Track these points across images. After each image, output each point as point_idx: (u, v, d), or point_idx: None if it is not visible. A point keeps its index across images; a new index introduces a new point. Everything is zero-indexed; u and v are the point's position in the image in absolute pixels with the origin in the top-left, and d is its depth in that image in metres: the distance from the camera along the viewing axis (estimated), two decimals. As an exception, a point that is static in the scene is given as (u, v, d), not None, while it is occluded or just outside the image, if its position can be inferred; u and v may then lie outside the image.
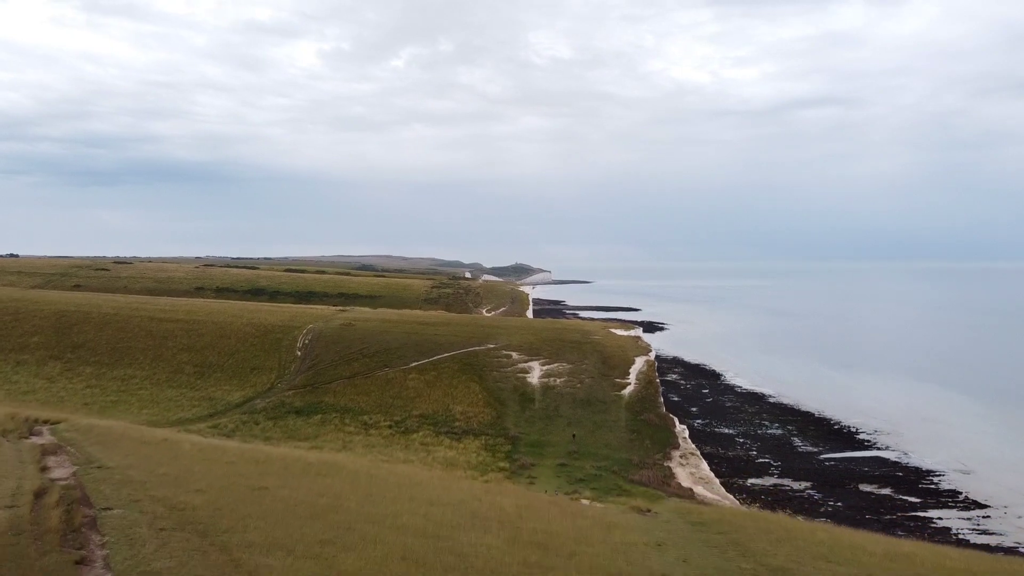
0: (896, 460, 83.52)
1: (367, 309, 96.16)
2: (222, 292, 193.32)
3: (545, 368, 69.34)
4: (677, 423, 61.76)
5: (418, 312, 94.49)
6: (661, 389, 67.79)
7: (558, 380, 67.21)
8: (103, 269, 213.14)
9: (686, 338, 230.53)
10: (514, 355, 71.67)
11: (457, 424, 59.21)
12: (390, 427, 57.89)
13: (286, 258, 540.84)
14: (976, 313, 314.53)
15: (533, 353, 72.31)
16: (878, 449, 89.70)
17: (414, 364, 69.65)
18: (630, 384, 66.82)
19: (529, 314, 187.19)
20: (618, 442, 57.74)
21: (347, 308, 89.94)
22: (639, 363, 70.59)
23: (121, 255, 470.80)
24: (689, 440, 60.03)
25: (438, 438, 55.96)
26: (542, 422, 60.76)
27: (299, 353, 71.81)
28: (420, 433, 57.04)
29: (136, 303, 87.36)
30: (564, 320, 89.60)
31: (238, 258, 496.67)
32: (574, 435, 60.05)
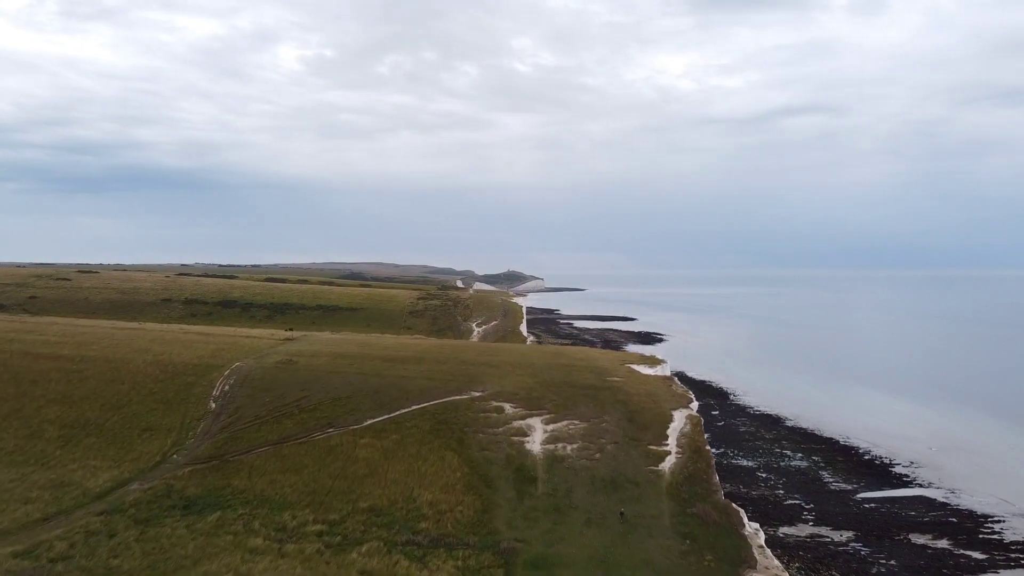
0: (944, 501, 72.39)
1: (325, 334, 75.11)
2: (191, 304, 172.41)
3: (551, 428, 48.29)
4: (745, 518, 40.81)
5: (388, 340, 73.05)
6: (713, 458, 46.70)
7: (569, 447, 46.20)
8: (64, 279, 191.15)
9: (687, 351, 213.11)
10: (507, 407, 50.53)
11: (423, 527, 38.21)
12: (320, 535, 36.77)
13: (276, 265, 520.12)
14: (983, 325, 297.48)
15: (533, 404, 51.15)
16: (920, 486, 77.83)
17: (369, 422, 48.59)
18: (670, 453, 45.82)
19: (523, 328, 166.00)
20: (664, 557, 36.90)
21: (295, 336, 68.44)
22: (679, 420, 49.51)
23: (106, 262, 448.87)
24: (767, 549, 39.10)
25: (391, 557, 34.87)
26: (549, 518, 39.92)
27: (213, 405, 50.50)
28: (365, 546, 35.83)
29: (14, 331, 64.94)
30: (570, 350, 68.53)
31: (228, 265, 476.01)
32: (622, 513, 39.44)
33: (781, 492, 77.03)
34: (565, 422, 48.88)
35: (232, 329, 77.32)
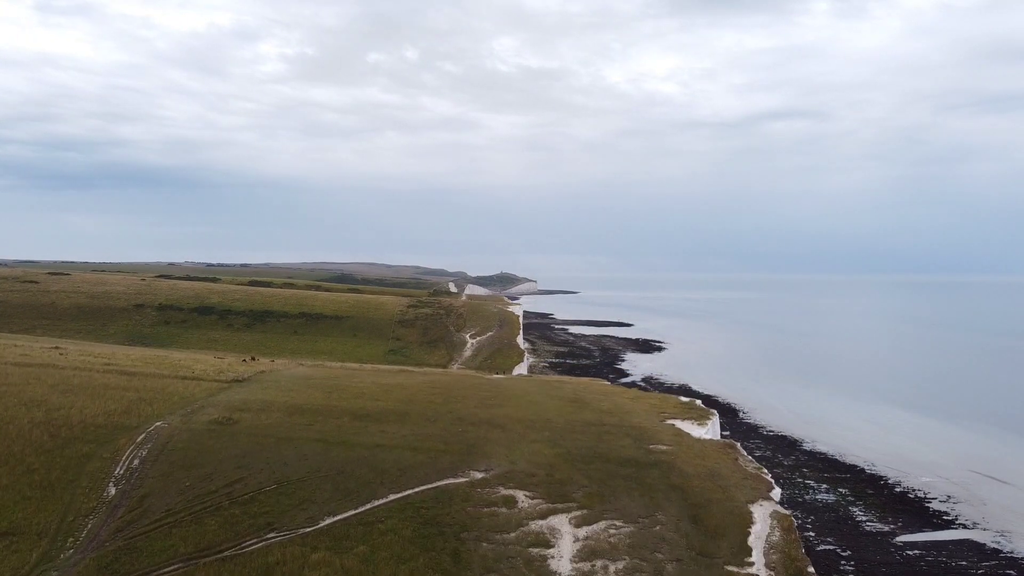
0: (995, 547, 63.92)
1: (289, 370, 59.76)
2: (164, 310, 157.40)
3: (584, 535, 33.37)
4: None
5: (365, 377, 57.65)
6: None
7: (612, 567, 31.21)
8: (31, 282, 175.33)
9: (689, 361, 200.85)
10: (521, 498, 35.62)
11: None
12: None
13: (267, 265, 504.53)
14: (990, 334, 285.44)
15: (556, 493, 36.18)
16: (964, 527, 68.86)
17: (328, 522, 33.68)
18: (758, 579, 31.11)
19: (520, 340, 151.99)
20: None
21: (245, 376, 52.96)
22: (761, 520, 34.68)
23: (93, 260, 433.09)
24: None
25: None
26: None
27: (113, 491, 35.50)
28: None
29: None
30: (592, 393, 53.78)
31: (217, 264, 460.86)
32: None
33: (812, 534, 66.98)
34: (603, 523, 33.86)
35: (178, 357, 61.79)
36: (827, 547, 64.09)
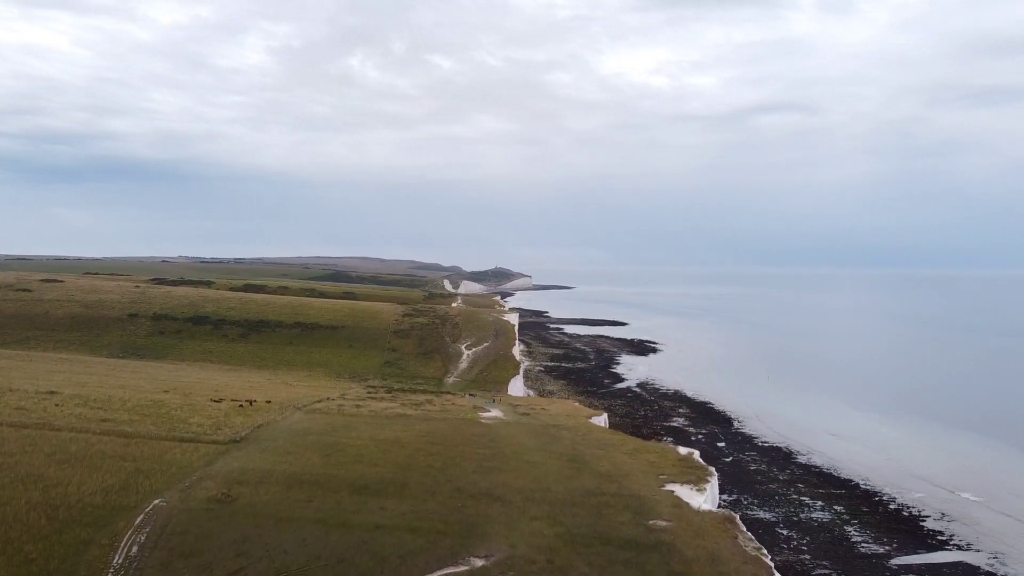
0: (990, 570, 63.45)
1: (287, 421, 59.46)
2: (159, 320, 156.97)
3: (585, 634, 33.43)
4: None
5: (363, 432, 57.36)
6: None
7: (614, 672, 31.30)
8: (25, 290, 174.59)
9: (684, 364, 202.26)
10: (522, 589, 35.66)
11: None
12: None
13: (261, 259, 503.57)
14: (984, 333, 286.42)
15: (558, 584, 36.25)
16: (958, 548, 68.32)
17: (328, 620, 33.58)
18: None
19: (515, 351, 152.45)
20: None
21: (242, 435, 52.69)
22: (762, 615, 34.85)
23: (85, 256, 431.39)
24: None
25: None
26: None
27: (111, 583, 35.38)
28: None
29: None
30: (589, 447, 53.93)
31: (212, 259, 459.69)
32: None
33: (807, 557, 67.56)
34: (604, 620, 33.88)
35: (175, 404, 61.30)
36: (822, 571, 64.35)
